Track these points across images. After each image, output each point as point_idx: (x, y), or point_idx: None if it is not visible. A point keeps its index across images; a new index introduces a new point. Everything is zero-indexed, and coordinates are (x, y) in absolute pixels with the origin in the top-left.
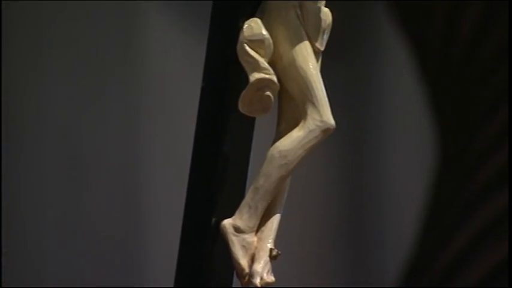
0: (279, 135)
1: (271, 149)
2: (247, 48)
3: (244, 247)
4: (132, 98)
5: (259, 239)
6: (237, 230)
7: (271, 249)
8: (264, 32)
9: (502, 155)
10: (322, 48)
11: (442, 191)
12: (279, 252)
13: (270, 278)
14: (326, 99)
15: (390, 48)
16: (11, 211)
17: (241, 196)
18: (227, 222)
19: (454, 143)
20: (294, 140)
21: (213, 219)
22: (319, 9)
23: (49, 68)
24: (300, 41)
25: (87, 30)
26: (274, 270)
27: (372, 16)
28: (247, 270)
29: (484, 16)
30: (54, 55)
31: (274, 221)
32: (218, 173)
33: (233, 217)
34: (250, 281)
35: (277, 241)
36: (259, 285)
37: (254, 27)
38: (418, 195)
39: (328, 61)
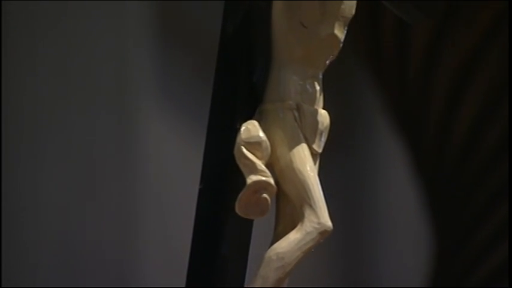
0: (277, 237)
1: (269, 251)
2: (245, 150)
3: None
4: (128, 200)
5: None
6: None
7: None
8: (261, 134)
9: (499, 255)
10: (319, 151)
11: None
12: None
13: None
14: (323, 201)
15: (386, 149)
16: None
17: None
18: None
19: (450, 243)
20: (291, 242)
21: None
22: (316, 112)
23: (46, 161)
24: (298, 143)
25: (86, 130)
26: None
27: (369, 117)
28: None
29: (477, 119)
30: (52, 151)
31: None
32: (216, 275)
33: None
34: None
35: None
36: None
37: (251, 129)
38: None
39: (325, 160)
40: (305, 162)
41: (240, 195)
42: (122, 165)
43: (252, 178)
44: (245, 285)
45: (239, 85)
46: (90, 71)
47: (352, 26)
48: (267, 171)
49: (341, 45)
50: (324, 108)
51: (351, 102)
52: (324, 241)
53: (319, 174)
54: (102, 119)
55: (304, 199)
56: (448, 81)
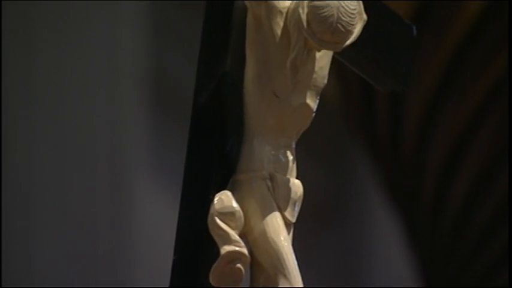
0: None
1: None
2: (218, 220)
3: None
4: (118, 265)
5: None
6: None
7: None
8: (235, 204)
9: None
10: (293, 220)
11: None
12: None
13: None
14: (297, 271)
15: (381, 224)
16: None
17: None
18: None
19: None
20: None
21: None
22: (289, 181)
23: (41, 230)
24: (271, 213)
25: (81, 207)
26: None
27: (363, 192)
28: None
29: (471, 193)
30: (46, 224)
31: None
32: None
33: None
34: None
35: None
36: None
37: (225, 200)
38: None
39: (319, 232)
40: (279, 232)
41: (214, 265)
42: (116, 239)
43: (226, 248)
44: None
45: (212, 156)
46: (84, 149)
47: (347, 102)
48: (241, 241)
49: (313, 114)
50: (300, 179)
51: (345, 177)
52: None
53: (293, 244)
54: (97, 193)
55: (278, 268)
56: (442, 156)
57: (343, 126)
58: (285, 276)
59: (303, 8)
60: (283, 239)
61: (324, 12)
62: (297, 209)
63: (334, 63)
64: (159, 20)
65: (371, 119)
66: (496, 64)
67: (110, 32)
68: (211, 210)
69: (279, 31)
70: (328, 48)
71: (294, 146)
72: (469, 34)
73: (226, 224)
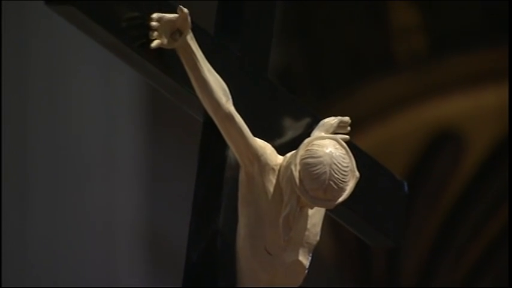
0: None
1: None
2: None
3: None
4: None
5: None
6: None
7: None
8: None
9: None
10: None
11: None
12: None
13: None
14: None
15: None
16: None
17: None
18: None
19: None
20: None
21: None
22: None
23: None
24: None
25: None
26: None
27: None
28: None
29: None
30: None
31: None
32: None
33: None
34: None
35: None
36: None
37: None
38: None
39: None
40: None
41: None
42: None
43: None
44: None
45: None
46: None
47: (343, 260)
48: None
49: (306, 271)
50: None
51: None
52: None
53: None
54: None
55: None
56: None
57: (340, 283)
58: None
59: (295, 165)
60: None
61: (316, 170)
62: None
63: (330, 220)
64: (154, 176)
65: (367, 275)
66: (494, 221)
67: (107, 194)
68: None
69: (271, 188)
70: (320, 206)
71: None
72: (466, 192)
73: None
